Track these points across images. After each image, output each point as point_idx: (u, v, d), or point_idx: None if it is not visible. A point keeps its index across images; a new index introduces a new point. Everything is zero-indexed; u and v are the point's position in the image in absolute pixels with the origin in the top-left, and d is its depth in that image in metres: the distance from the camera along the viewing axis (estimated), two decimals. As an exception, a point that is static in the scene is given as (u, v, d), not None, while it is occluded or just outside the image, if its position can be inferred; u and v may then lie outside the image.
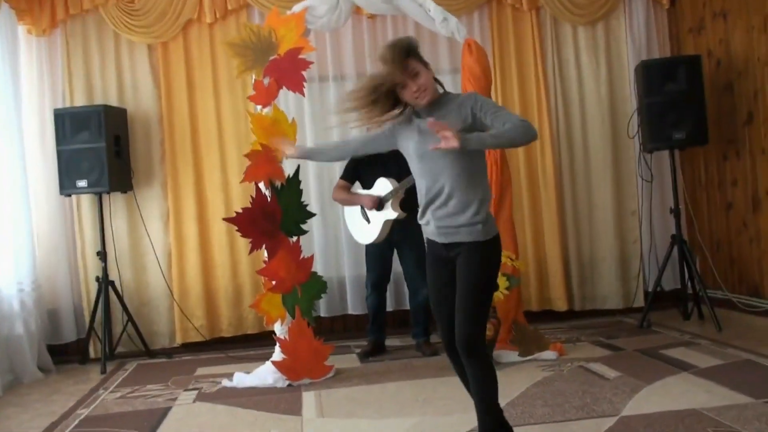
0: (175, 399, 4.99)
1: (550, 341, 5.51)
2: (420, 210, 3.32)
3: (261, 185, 5.22)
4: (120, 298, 6.32)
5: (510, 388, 4.55)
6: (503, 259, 5.19)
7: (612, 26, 6.96)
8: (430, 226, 3.31)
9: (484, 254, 3.22)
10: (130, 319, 6.35)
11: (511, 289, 5.26)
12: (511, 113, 3.14)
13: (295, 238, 5.35)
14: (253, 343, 6.45)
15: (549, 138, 6.80)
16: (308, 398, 4.78)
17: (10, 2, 6.06)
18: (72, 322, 6.52)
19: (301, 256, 5.34)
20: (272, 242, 5.21)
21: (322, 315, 6.66)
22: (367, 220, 5.74)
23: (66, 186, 6.13)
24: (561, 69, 6.92)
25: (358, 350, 6.05)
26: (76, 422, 4.61)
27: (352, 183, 5.84)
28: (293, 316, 5.25)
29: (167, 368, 5.99)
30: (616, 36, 6.96)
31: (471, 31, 6.85)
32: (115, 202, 6.53)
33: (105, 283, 6.23)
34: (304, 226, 5.38)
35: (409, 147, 3.34)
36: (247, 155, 5.20)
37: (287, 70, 5.27)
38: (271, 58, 5.29)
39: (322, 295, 5.45)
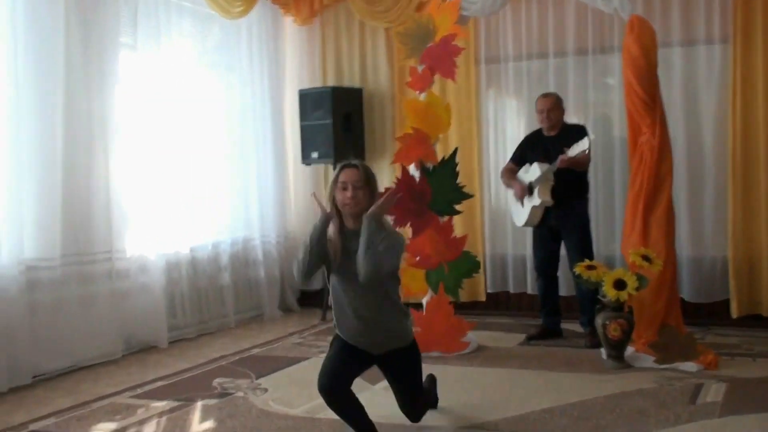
0: (323, 352, 5.66)
1: (702, 352, 4.95)
2: None
3: (411, 167, 5.53)
4: (349, 256, 7.15)
5: (580, 392, 4.37)
6: (633, 258, 4.87)
7: None
8: None
9: None
10: (357, 276, 7.15)
11: (640, 290, 4.86)
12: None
13: (446, 218, 5.58)
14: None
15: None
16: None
17: (273, -2, 7.18)
18: (318, 273, 7.52)
19: (453, 235, 5.56)
20: (419, 221, 5.51)
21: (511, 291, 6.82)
22: (522, 203, 5.72)
23: (305, 156, 7.12)
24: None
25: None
26: (236, 358, 5.58)
27: (519, 165, 5.81)
28: (435, 292, 5.53)
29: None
30: None
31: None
32: (353, 172, 7.33)
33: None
34: (458, 207, 5.58)
35: None
36: (398, 138, 5.56)
37: (440, 57, 5.48)
38: (428, 45, 5.54)
39: (474, 275, 5.66)
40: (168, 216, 6.10)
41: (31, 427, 4.12)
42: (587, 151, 5.26)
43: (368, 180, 3.52)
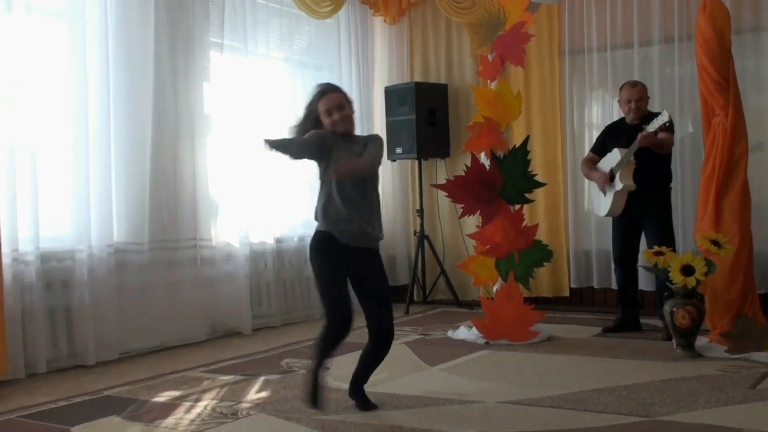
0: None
1: (782, 343, 4.73)
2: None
3: (482, 155, 5.55)
4: (434, 251, 7.22)
5: (637, 377, 4.29)
6: (700, 242, 4.74)
7: None
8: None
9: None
10: (442, 270, 7.21)
11: (709, 275, 4.70)
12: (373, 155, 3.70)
13: (517, 207, 5.57)
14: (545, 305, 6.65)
15: None
16: (471, 356, 5.11)
17: (362, -1, 7.40)
18: (405, 268, 7.67)
19: (524, 224, 5.54)
20: (489, 209, 5.51)
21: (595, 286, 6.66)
22: (604, 192, 5.61)
23: (390, 152, 7.26)
24: None
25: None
26: (311, 342, 5.72)
27: (600, 156, 5.70)
28: (505, 280, 5.53)
29: (451, 317, 6.66)
30: None
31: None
32: (440, 167, 7.42)
33: (421, 237, 7.20)
34: (530, 196, 5.57)
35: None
36: (469, 127, 5.61)
37: (510, 45, 5.50)
38: (499, 34, 5.57)
39: (545, 264, 5.62)
40: (254, 208, 6.37)
41: (106, 393, 4.42)
42: (667, 124, 5.10)
43: (347, 96, 3.79)
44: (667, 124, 5.12)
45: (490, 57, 5.60)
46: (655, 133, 5.22)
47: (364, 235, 3.74)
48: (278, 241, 6.64)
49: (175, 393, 4.35)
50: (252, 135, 6.35)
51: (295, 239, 6.82)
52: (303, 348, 5.55)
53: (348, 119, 3.75)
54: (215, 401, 4.13)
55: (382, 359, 3.88)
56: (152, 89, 5.61)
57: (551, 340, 5.53)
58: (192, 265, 5.92)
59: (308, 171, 6.89)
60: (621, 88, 5.70)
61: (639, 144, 5.25)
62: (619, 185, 5.45)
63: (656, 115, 5.46)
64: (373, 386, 4.24)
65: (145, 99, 5.58)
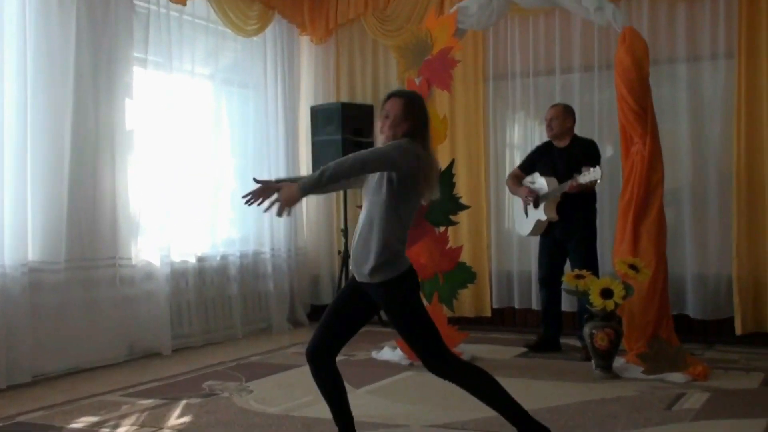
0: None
1: (692, 363, 4.88)
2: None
3: (408, 177, 5.58)
4: (357, 271, 7.22)
5: (559, 399, 4.37)
6: (619, 266, 4.87)
7: None
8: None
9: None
10: (366, 290, 7.21)
11: (627, 299, 4.84)
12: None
13: (442, 229, 5.63)
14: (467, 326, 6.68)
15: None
16: (396, 377, 5.12)
17: (289, 18, 7.36)
18: (329, 286, 7.65)
19: (449, 246, 5.60)
20: (414, 231, 5.49)
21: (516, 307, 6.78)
22: (526, 213, 5.73)
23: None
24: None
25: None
26: (233, 364, 5.66)
27: (527, 174, 5.82)
28: (429, 302, 5.55)
29: (375, 338, 6.50)
30: None
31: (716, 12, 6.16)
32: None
33: (345, 256, 7.19)
34: (454, 218, 5.63)
35: None
36: (395, 149, 5.63)
37: (437, 69, 5.56)
38: (426, 58, 5.63)
39: (469, 285, 5.68)
40: (175, 226, 6.25)
41: (18, 419, 4.25)
42: (598, 182, 5.27)
43: (408, 114, 3.37)
44: (598, 182, 5.27)
45: (417, 81, 5.65)
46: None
47: (363, 268, 3.31)
48: (200, 259, 6.54)
49: (93, 419, 4.21)
50: (176, 152, 6.25)
51: (218, 258, 6.73)
52: (225, 369, 5.47)
53: (386, 137, 3.38)
54: (135, 427, 4.02)
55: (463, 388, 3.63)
56: (72, 104, 5.45)
57: (474, 360, 5.55)
58: (111, 284, 5.75)
59: (233, 190, 6.90)
60: None
61: (567, 191, 5.39)
62: (542, 215, 5.58)
63: (584, 141, 5.62)
64: (297, 410, 4.23)
65: (64, 113, 5.42)
